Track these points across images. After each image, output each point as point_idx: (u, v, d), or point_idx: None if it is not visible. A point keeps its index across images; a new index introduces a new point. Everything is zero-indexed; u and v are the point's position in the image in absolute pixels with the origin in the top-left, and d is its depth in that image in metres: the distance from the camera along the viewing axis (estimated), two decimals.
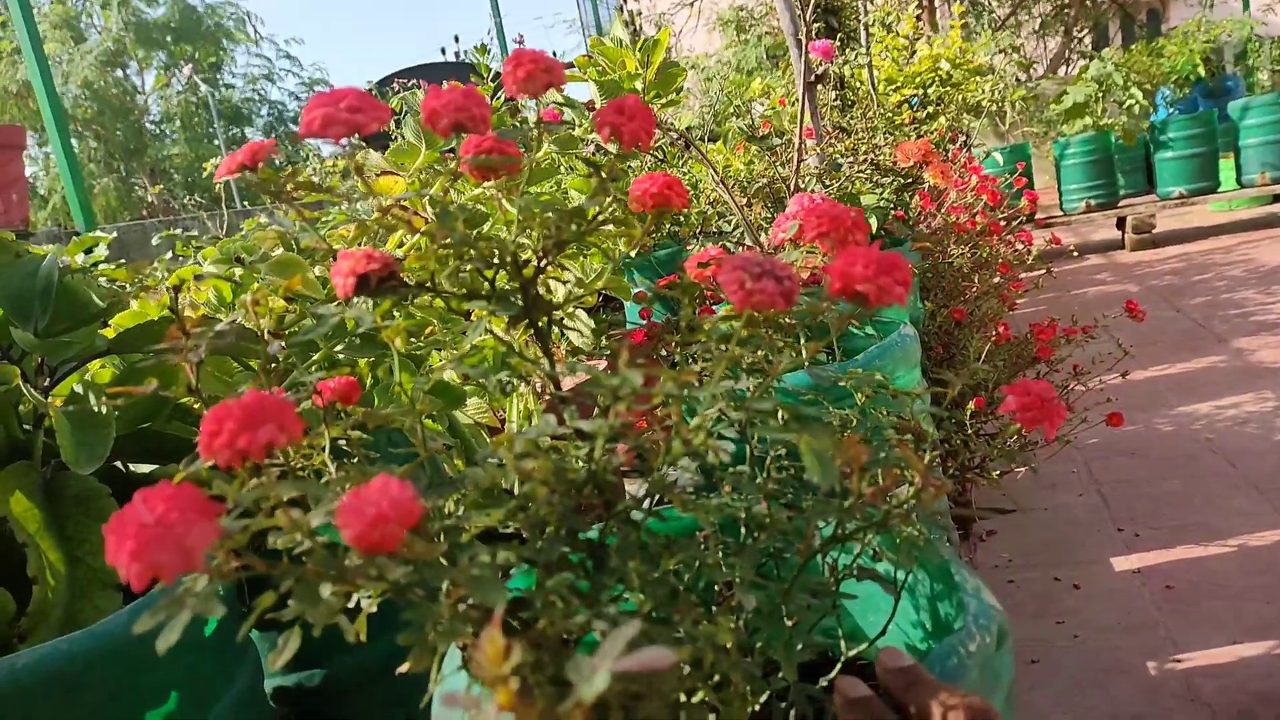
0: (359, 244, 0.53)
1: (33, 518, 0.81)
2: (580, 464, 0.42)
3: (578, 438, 0.43)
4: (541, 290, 0.50)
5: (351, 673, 1.12)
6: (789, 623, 0.48)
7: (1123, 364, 2.11)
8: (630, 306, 2.51)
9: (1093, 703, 1.44)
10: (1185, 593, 1.72)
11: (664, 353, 1.20)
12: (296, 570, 0.34)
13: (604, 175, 0.45)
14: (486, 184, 0.60)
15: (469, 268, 0.46)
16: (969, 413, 1.64)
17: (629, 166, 1.48)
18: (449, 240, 0.42)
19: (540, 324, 0.49)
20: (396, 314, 0.87)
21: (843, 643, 0.62)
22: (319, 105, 0.38)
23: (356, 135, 0.39)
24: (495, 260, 0.45)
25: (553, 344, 0.53)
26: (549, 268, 0.47)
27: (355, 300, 0.49)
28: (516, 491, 0.37)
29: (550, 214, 0.44)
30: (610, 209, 0.46)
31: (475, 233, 0.44)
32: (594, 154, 1.56)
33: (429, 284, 0.48)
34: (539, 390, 1.12)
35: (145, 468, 0.97)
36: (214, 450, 0.33)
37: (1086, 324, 2.04)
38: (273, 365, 1.06)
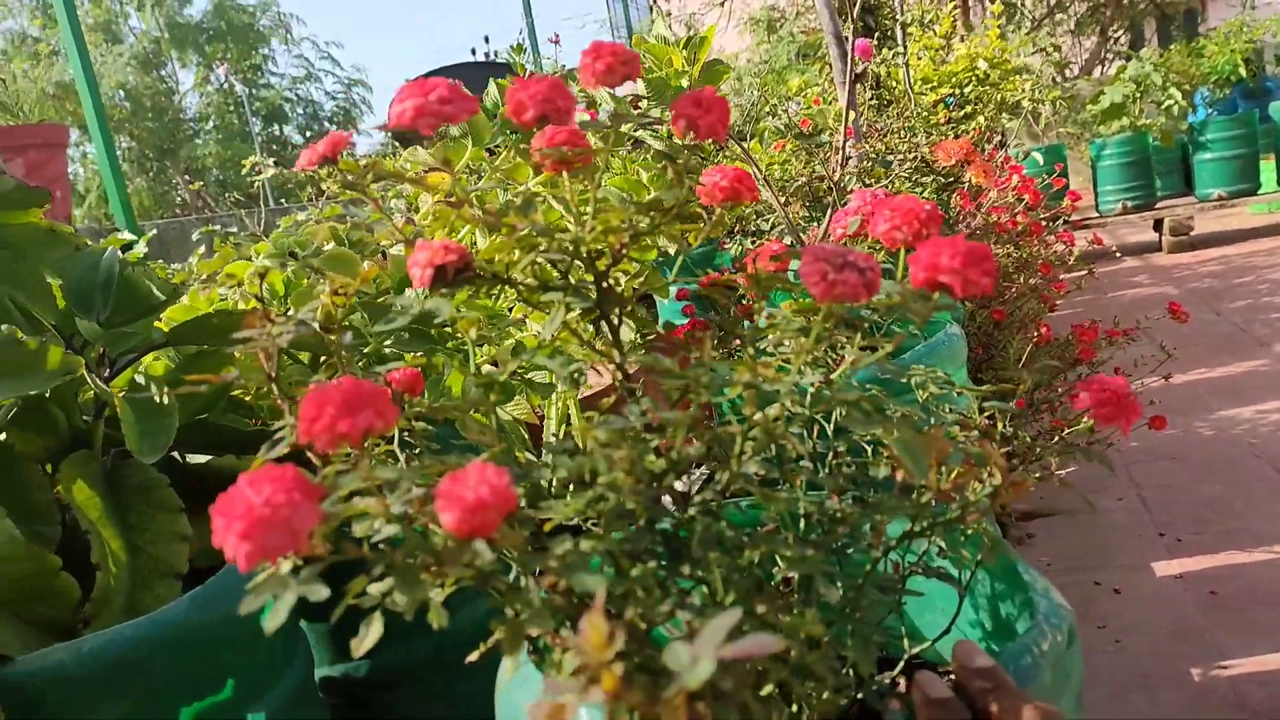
0: (433, 235, 0.53)
1: (94, 506, 0.82)
2: (655, 456, 0.42)
3: (646, 430, 0.43)
4: (611, 282, 0.50)
5: (397, 666, 1.13)
6: (859, 617, 0.48)
7: (1164, 367, 2.08)
8: (663, 306, 2.51)
9: (1136, 708, 1.42)
10: (1230, 599, 1.70)
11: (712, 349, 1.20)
12: (390, 557, 0.34)
13: (680, 168, 0.46)
14: (534, 180, 0.60)
15: (542, 260, 0.46)
16: (1009, 415, 1.63)
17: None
18: (527, 232, 0.43)
19: (611, 316, 0.49)
20: (463, 308, 0.87)
21: (905, 641, 0.61)
22: (410, 96, 0.39)
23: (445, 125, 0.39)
24: (571, 252, 0.45)
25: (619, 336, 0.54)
26: (622, 261, 0.47)
27: (420, 292, 0.50)
28: (601, 481, 0.37)
29: (630, 207, 0.44)
30: (685, 202, 0.46)
31: (552, 227, 0.44)
32: (640, 151, 1.56)
33: (503, 276, 0.48)
34: (579, 384, 1.12)
35: (200, 458, 0.98)
36: (313, 434, 0.34)
37: (1128, 326, 2.02)
38: (329, 358, 1.07)
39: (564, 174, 0.50)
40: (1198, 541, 1.95)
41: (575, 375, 0.46)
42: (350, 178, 0.48)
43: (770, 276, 0.48)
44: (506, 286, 0.45)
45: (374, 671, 1.14)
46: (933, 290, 0.38)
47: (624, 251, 0.47)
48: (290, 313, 1.10)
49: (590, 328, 0.59)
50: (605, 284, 0.48)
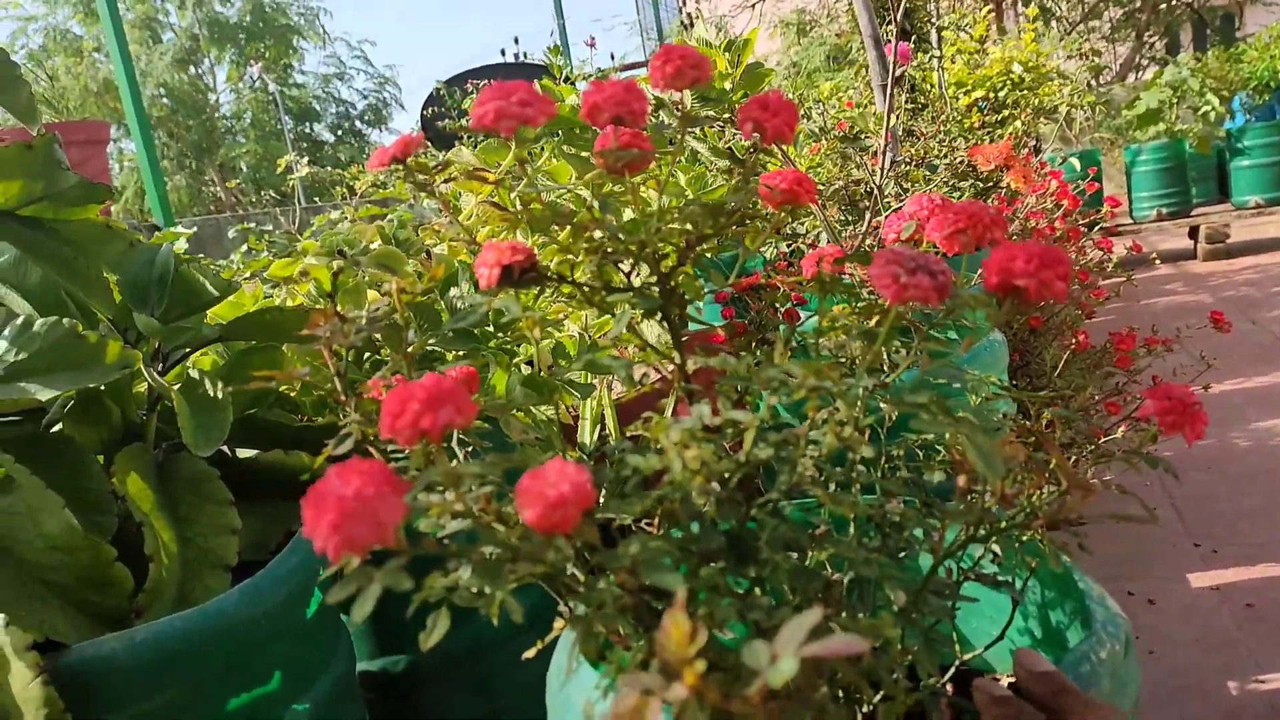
0: (501, 236, 0.54)
1: (147, 498, 0.83)
2: (723, 456, 0.42)
3: (707, 431, 0.44)
4: (676, 281, 0.50)
5: (435, 661, 1.14)
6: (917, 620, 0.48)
7: (1203, 377, 2.06)
8: (691, 308, 2.51)
9: None
10: (1268, 612, 1.67)
11: (743, 351, 1.20)
12: (472, 550, 0.35)
13: (747, 170, 0.46)
14: (576, 181, 0.61)
15: (610, 259, 0.46)
16: (1045, 422, 1.62)
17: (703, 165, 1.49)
18: (598, 233, 0.43)
19: (673, 317, 0.50)
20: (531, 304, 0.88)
21: (957, 647, 0.61)
22: (492, 99, 0.40)
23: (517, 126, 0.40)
24: (637, 254, 0.46)
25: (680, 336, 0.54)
26: (688, 263, 0.48)
27: (488, 291, 0.50)
28: (673, 476, 0.37)
29: (695, 209, 0.45)
30: (749, 204, 0.47)
31: (624, 227, 0.44)
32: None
33: (568, 276, 0.49)
34: (640, 384, 1.13)
35: (247, 452, 1.00)
36: (396, 430, 0.35)
37: (1165, 335, 2.00)
38: (369, 359, 1.08)
39: (627, 175, 0.50)
40: (1235, 553, 1.92)
41: (632, 377, 0.47)
42: (420, 177, 0.49)
43: (835, 279, 0.48)
44: (565, 286, 0.46)
45: (411, 666, 1.15)
46: (1005, 294, 0.38)
47: (689, 253, 0.47)
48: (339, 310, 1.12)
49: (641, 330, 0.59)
50: (669, 285, 0.49)
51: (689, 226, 0.46)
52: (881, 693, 0.36)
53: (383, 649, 1.16)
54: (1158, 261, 2.47)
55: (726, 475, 0.40)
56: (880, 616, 0.33)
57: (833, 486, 0.55)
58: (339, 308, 1.12)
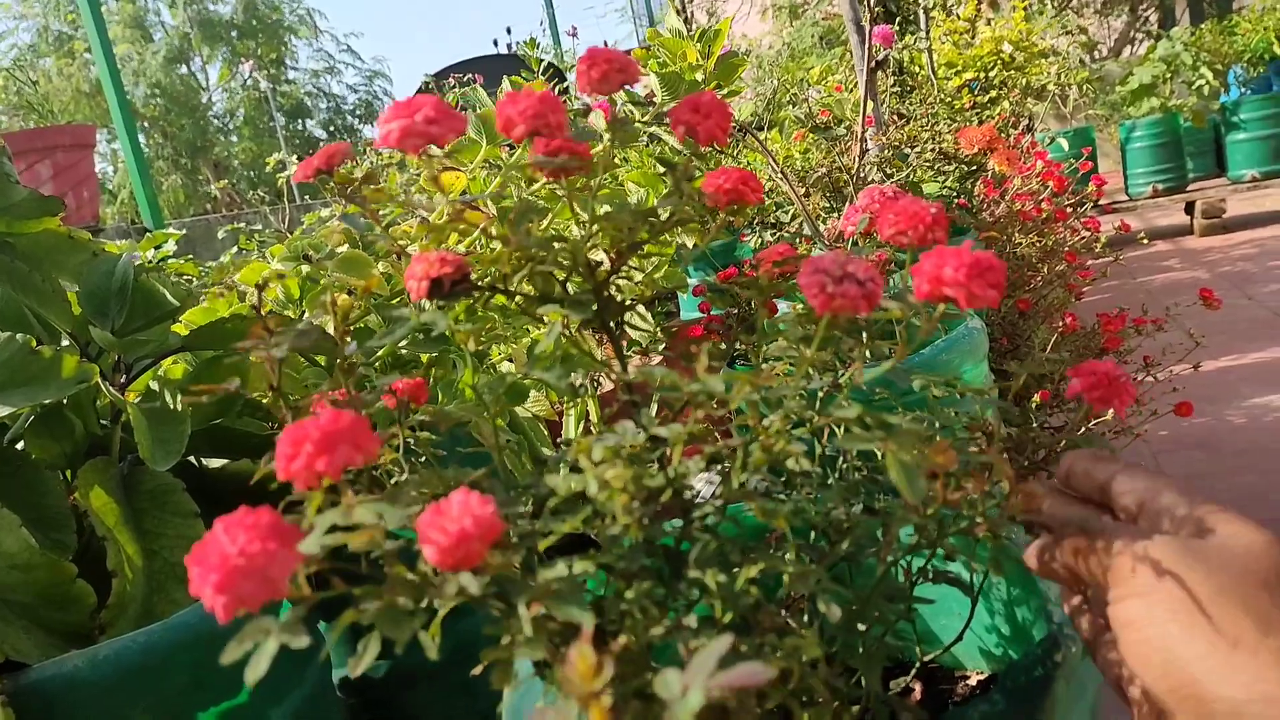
0: (431, 246, 0.52)
1: (111, 512, 0.83)
2: (656, 470, 0.41)
3: (651, 443, 0.42)
4: (612, 290, 0.49)
5: (415, 664, 1.14)
6: (865, 628, 0.47)
7: (1194, 355, 2.04)
8: (685, 299, 2.50)
9: None
10: None
11: (724, 346, 1.19)
12: (376, 591, 0.34)
13: (679, 175, 0.45)
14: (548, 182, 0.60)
15: (541, 271, 0.45)
16: (1034, 405, 1.60)
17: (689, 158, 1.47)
18: (521, 246, 0.42)
19: (611, 325, 0.49)
20: (465, 316, 0.87)
21: (917, 648, 0.60)
22: (396, 117, 0.38)
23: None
24: (569, 264, 0.45)
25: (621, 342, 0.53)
26: (621, 269, 0.46)
27: (426, 303, 0.49)
28: (593, 497, 0.36)
29: (625, 216, 0.43)
30: (684, 209, 0.45)
31: (549, 238, 0.43)
32: (655, 145, 1.55)
33: (501, 286, 0.47)
34: (597, 387, 1.12)
35: (216, 462, 0.99)
36: (291, 474, 0.34)
37: (1156, 314, 1.98)
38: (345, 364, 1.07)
39: (563, 180, 0.49)
40: None
41: (573, 388, 0.46)
42: (349, 189, 0.48)
43: (772, 284, 0.47)
44: (498, 297, 0.45)
45: (392, 670, 1.14)
46: (937, 302, 0.37)
47: (622, 261, 0.46)
48: (305, 316, 1.11)
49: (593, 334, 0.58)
50: (606, 293, 0.48)
51: (621, 233, 0.44)
52: (816, 714, 0.35)
53: None
54: (1145, 240, 2.45)
55: (657, 491, 0.39)
56: (807, 635, 0.32)
57: (797, 490, 0.54)
58: (308, 312, 1.11)
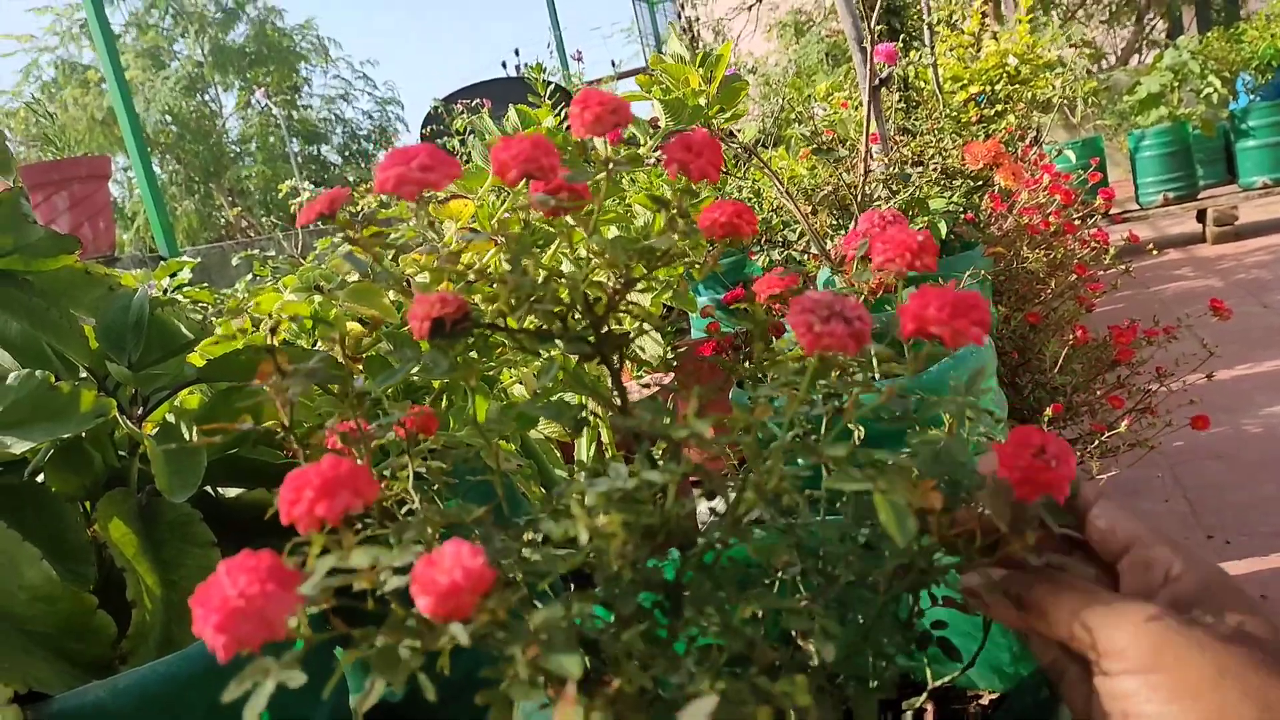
0: (433, 287, 0.54)
1: (130, 543, 0.84)
2: (651, 509, 0.42)
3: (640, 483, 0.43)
4: (612, 324, 0.50)
5: (434, 689, 1.14)
6: (870, 658, 0.48)
7: (1208, 364, 2.03)
8: (696, 316, 2.51)
9: None
10: None
11: (732, 367, 1.20)
12: (372, 634, 0.35)
13: (673, 212, 0.46)
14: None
15: (539, 309, 0.46)
16: (1047, 419, 1.60)
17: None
18: (518, 286, 0.43)
19: (612, 359, 0.50)
20: (473, 348, 0.89)
21: (928, 669, 0.61)
22: (392, 165, 0.40)
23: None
24: (566, 301, 0.46)
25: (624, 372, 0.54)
26: (620, 303, 0.48)
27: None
28: (580, 542, 0.37)
29: (619, 252, 0.44)
30: (680, 243, 0.47)
31: (545, 276, 0.44)
32: (660, 168, 1.56)
33: (501, 324, 0.49)
34: (581, 429, 1.13)
35: (232, 491, 1.00)
36: (294, 517, 0.35)
37: (1168, 324, 1.98)
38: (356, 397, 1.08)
39: (563, 218, 0.50)
40: (1248, 544, 1.90)
41: (577, 422, 0.47)
42: (350, 234, 0.49)
43: (765, 320, 0.48)
44: (496, 335, 0.46)
45: (410, 696, 1.15)
46: (924, 339, 0.38)
47: (621, 295, 0.47)
48: (317, 345, 1.12)
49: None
50: (605, 328, 0.49)
51: (618, 270, 0.46)
52: None
53: None
54: (1154, 250, 2.45)
55: (654, 529, 0.40)
56: (796, 681, 0.33)
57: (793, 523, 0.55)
58: (320, 344, 1.12)
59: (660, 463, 0.41)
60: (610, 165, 0.46)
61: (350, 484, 0.35)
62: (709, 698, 0.27)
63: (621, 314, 0.52)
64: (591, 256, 0.47)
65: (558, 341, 0.47)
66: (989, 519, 0.40)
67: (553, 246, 0.90)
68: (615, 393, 0.49)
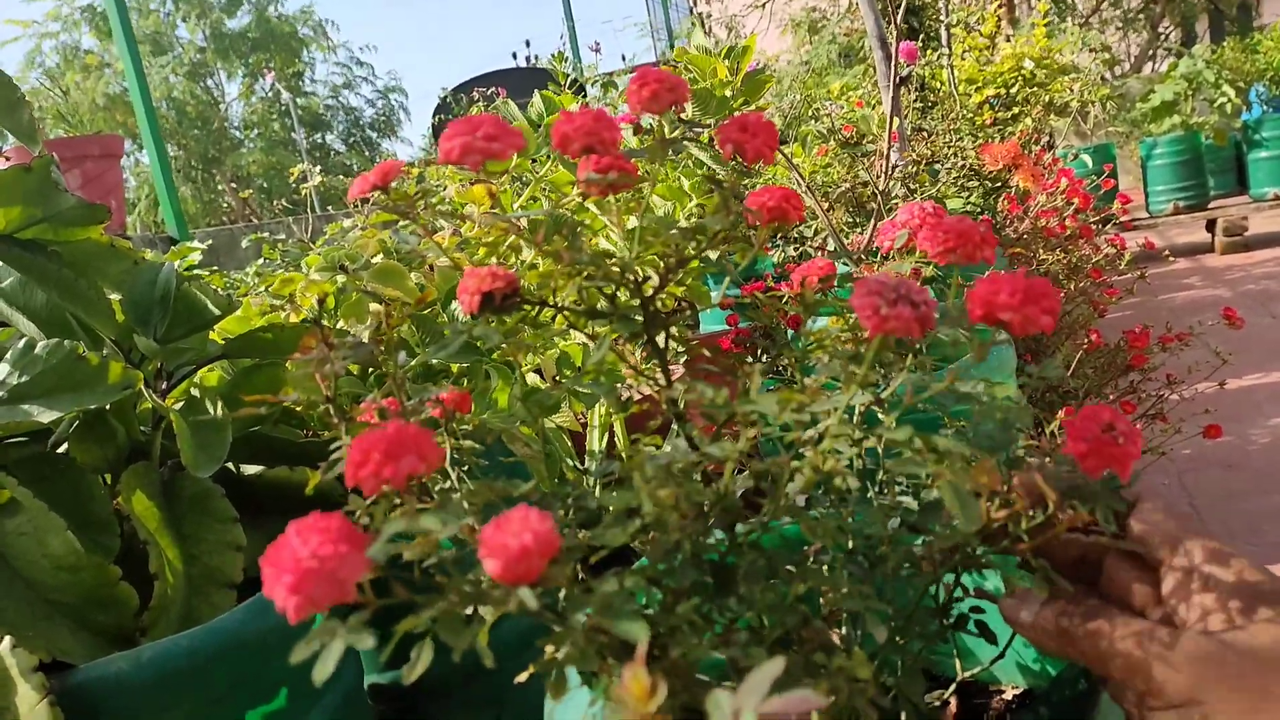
0: (501, 251, 0.54)
1: (152, 516, 0.84)
2: (703, 486, 0.42)
3: (694, 460, 0.43)
4: (657, 304, 0.50)
5: (446, 673, 1.14)
6: (904, 643, 0.48)
7: (1219, 373, 2.03)
8: (704, 313, 2.51)
9: None
10: None
11: (752, 360, 1.20)
12: (438, 599, 0.35)
13: (726, 193, 0.46)
14: (575, 197, 0.61)
15: (589, 286, 0.46)
16: (1059, 421, 1.60)
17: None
18: (574, 261, 0.43)
19: (657, 339, 0.50)
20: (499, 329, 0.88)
21: (957, 662, 0.61)
22: (457, 134, 0.40)
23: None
24: (618, 279, 0.46)
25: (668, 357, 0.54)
26: (669, 284, 0.48)
27: (470, 317, 0.51)
28: (644, 512, 0.37)
29: (674, 233, 0.44)
30: (731, 225, 0.46)
31: (599, 252, 0.44)
32: (685, 160, 1.56)
33: (550, 301, 0.49)
34: (628, 407, 1.13)
35: (252, 468, 1.00)
36: (360, 479, 0.35)
37: (1180, 331, 1.97)
38: (373, 373, 1.08)
39: (610, 198, 0.50)
40: (1256, 553, 1.89)
41: (620, 400, 0.47)
42: (402, 205, 0.49)
43: (817, 300, 0.48)
44: (546, 311, 0.46)
45: (423, 679, 1.15)
46: (990, 325, 0.38)
47: (670, 276, 0.47)
48: (340, 326, 1.12)
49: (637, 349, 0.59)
50: (651, 308, 0.49)
51: (669, 249, 0.46)
52: None
53: (393, 661, 1.16)
54: (1170, 257, 2.44)
55: (705, 507, 0.40)
56: (855, 656, 0.33)
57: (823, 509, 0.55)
58: (342, 322, 1.12)
59: (715, 442, 0.41)
60: (668, 142, 0.45)
61: (415, 448, 0.35)
62: (775, 660, 0.26)
63: (664, 295, 0.51)
64: (643, 237, 0.47)
65: (605, 319, 0.47)
66: (1037, 491, 0.40)
67: (585, 232, 0.90)
68: (661, 371, 0.49)
